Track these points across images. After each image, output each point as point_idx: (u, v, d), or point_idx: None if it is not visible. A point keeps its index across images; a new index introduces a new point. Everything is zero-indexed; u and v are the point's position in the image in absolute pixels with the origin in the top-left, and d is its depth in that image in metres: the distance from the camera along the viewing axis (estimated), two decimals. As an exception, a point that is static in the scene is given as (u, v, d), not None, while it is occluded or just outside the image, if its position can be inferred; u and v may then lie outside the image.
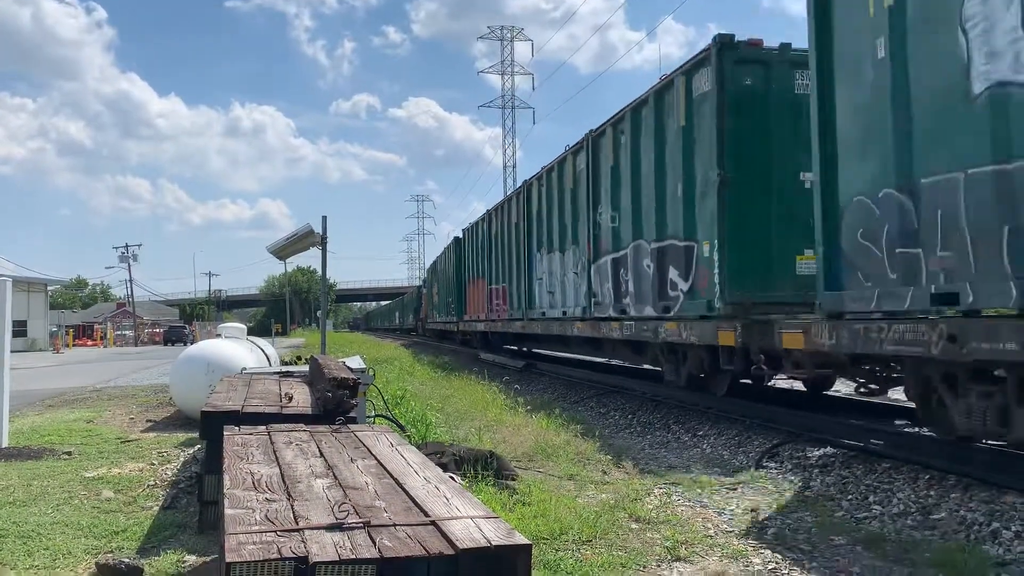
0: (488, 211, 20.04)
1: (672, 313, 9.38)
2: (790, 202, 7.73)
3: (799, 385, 10.13)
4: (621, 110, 10.79)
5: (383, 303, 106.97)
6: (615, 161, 11.04)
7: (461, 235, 24.26)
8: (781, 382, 10.51)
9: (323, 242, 12.40)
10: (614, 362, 14.74)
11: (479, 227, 21.16)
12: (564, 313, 13.50)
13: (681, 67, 9.02)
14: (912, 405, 6.52)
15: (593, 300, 12.09)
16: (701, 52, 8.58)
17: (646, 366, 12.34)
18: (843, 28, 6.30)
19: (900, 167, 5.68)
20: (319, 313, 23.28)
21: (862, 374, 6.88)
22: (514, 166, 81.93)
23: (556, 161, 13.94)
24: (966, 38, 5.08)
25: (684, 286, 9.10)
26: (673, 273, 9.40)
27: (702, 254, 8.63)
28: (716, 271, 8.29)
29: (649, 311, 10.00)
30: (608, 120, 11.30)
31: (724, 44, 8.17)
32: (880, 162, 5.88)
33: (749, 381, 9.48)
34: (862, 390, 7.06)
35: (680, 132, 9.02)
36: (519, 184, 16.84)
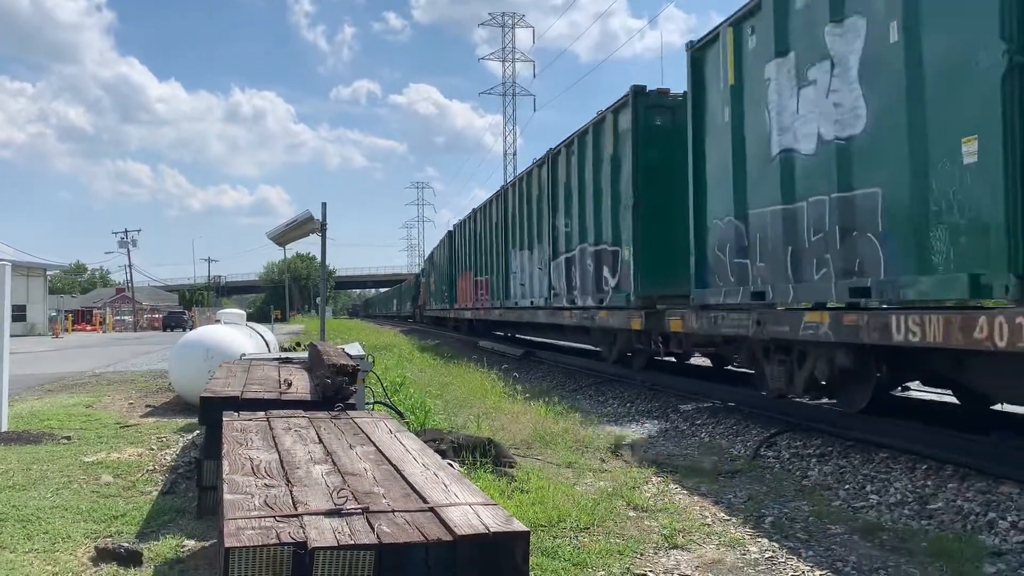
0: (474, 209, 21.76)
1: (604, 304, 11.48)
2: (687, 218, 8.98)
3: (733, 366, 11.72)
4: (571, 135, 12.85)
5: (382, 290, 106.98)
6: (567, 178, 13.18)
7: (454, 230, 25.89)
8: (695, 360, 12.64)
9: (323, 228, 12.39)
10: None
11: (467, 224, 22.86)
12: (531, 303, 15.55)
13: (611, 106, 11.07)
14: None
15: (552, 292, 14.18)
16: (622, 97, 10.65)
17: (589, 346, 14.81)
18: (709, 95, 8.49)
19: (738, 201, 7.83)
20: (318, 299, 23.29)
21: (720, 349, 9.62)
22: (515, 153, 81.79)
23: (526, 172, 16.20)
24: (769, 116, 7.24)
25: (613, 282, 11.21)
26: (606, 272, 11.49)
27: (623, 257, 10.69)
28: (632, 271, 10.34)
29: (590, 302, 12.10)
30: (562, 142, 13.36)
31: (638, 92, 10.37)
32: (728, 196, 7.99)
33: (673, 359, 12.04)
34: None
35: (610, 159, 11.10)
36: (512, 177, 19.40)
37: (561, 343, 17.97)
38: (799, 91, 6.82)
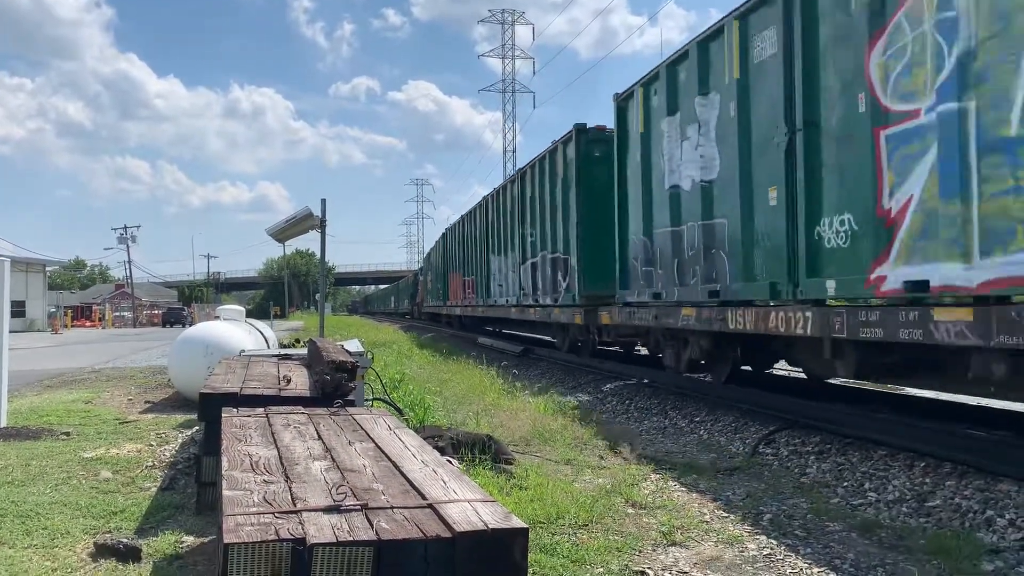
0: (462, 216, 24.14)
1: (558, 303, 13.78)
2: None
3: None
4: (534, 158, 15.29)
5: (382, 287, 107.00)
6: (532, 193, 15.45)
7: (447, 232, 28.07)
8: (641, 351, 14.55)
9: (322, 225, 12.39)
10: (616, 349, 15.56)
11: (457, 228, 25.15)
12: (507, 301, 17.85)
13: (561, 138, 13.41)
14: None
15: (522, 292, 16.43)
16: (568, 132, 13.01)
17: (549, 337, 17.41)
18: (629, 138, 10.73)
19: (646, 223, 10.06)
20: (318, 296, 23.41)
21: (638, 338, 12.05)
22: (514, 150, 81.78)
23: (502, 186, 18.83)
24: (664, 160, 9.49)
25: (564, 285, 13.45)
26: (559, 276, 13.71)
27: (572, 264, 12.88)
28: (577, 276, 12.60)
29: (548, 300, 14.39)
30: (528, 163, 15.81)
31: (579, 130, 12.67)
32: (639, 218, 10.21)
33: (620, 350, 14.44)
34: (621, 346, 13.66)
35: (561, 182, 13.44)
36: (510, 174, 21.26)
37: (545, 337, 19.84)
38: (682, 143, 9.02)
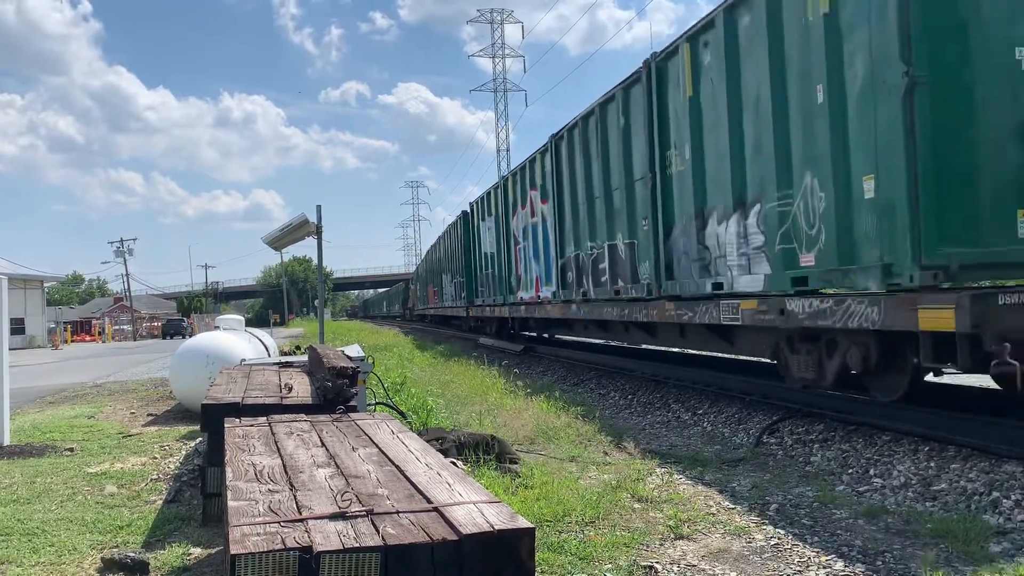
0: (432, 244, 33.47)
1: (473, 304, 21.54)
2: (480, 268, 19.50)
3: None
4: (445, 228, 24.60)
5: (380, 290, 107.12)
6: (455, 242, 23.47)
7: (429, 251, 36.16)
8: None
9: (319, 231, 12.38)
10: (613, 343, 15.48)
11: (431, 252, 34.00)
12: (450, 304, 26.46)
13: (455, 218, 21.31)
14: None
15: (463, 296, 23.07)
16: (458, 216, 21.93)
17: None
18: (475, 227, 20.16)
19: (468, 275, 20.82)
20: (317, 302, 23.53)
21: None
22: (508, 149, 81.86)
23: (450, 225, 25.61)
24: (481, 242, 19.75)
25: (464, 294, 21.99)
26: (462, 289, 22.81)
27: (464, 282, 21.48)
28: (465, 290, 22.06)
29: (462, 303, 22.60)
30: (441, 233, 25.40)
31: (466, 213, 21.04)
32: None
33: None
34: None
35: (460, 240, 22.20)
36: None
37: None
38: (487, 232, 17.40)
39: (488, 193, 18.80)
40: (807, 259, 6.44)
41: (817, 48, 6.12)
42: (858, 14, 5.71)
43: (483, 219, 19.25)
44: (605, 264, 10.86)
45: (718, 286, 7.84)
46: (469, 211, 21.38)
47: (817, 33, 6.10)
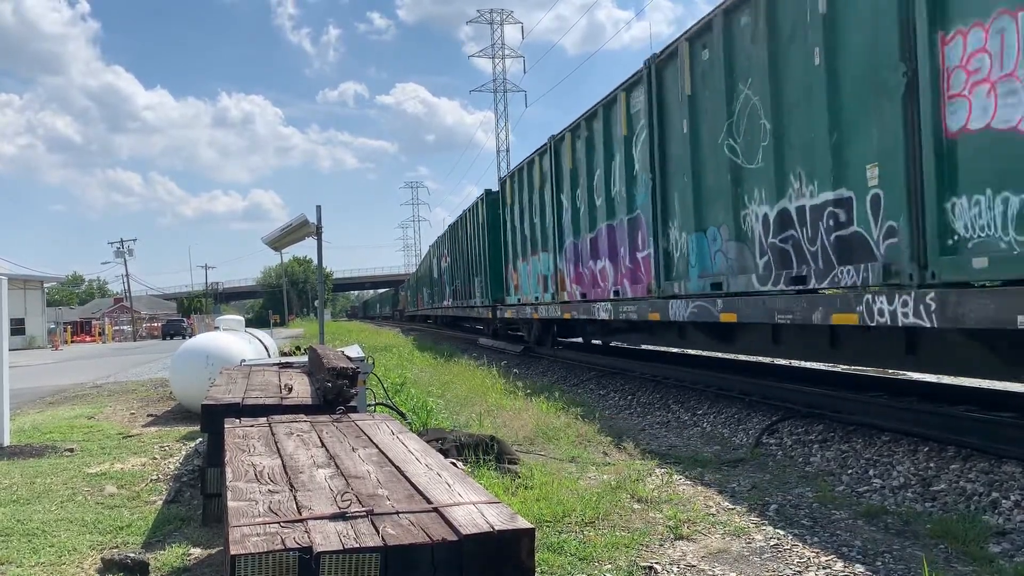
0: (420, 263, 39.69)
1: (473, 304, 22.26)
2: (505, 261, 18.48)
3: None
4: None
5: (380, 291, 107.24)
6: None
7: (418, 266, 43.07)
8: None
9: (318, 231, 12.38)
10: (618, 344, 15.37)
11: (420, 265, 40.76)
12: (430, 304, 34.11)
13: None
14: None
15: (439, 297, 28.50)
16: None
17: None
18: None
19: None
20: (317, 303, 23.52)
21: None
22: (507, 150, 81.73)
23: (435, 241, 31.08)
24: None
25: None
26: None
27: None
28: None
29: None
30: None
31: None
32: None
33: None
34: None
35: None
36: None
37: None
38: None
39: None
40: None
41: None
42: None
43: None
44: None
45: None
46: (505, 184, 17.29)
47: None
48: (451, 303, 27.24)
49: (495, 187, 20.45)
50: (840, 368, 9.87)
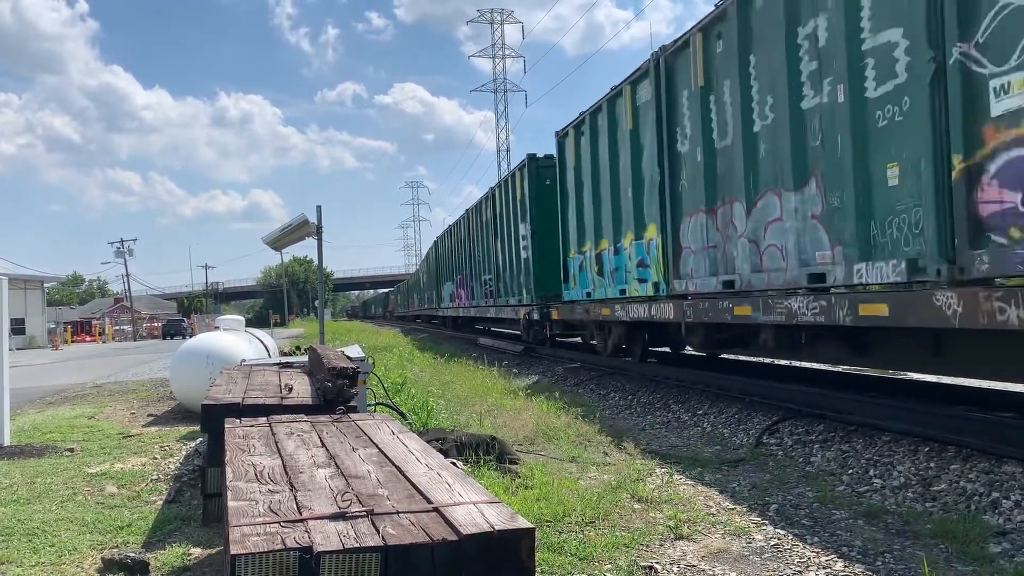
0: (413, 272, 44.75)
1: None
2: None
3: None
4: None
5: (380, 291, 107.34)
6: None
7: (408, 276, 48.19)
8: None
9: (319, 232, 12.38)
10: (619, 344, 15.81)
11: (415, 273, 43.98)
12: (423, 306, 38.33)
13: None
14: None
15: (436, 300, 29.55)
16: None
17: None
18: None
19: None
20: (317, 303, 23.61)
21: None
22: (508, 150, 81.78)
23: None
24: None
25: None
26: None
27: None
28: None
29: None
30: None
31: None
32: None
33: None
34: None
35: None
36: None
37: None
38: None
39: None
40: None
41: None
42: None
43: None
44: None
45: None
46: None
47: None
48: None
49: (494, 187, 19.65)
50: (840, 368, 9.87)
